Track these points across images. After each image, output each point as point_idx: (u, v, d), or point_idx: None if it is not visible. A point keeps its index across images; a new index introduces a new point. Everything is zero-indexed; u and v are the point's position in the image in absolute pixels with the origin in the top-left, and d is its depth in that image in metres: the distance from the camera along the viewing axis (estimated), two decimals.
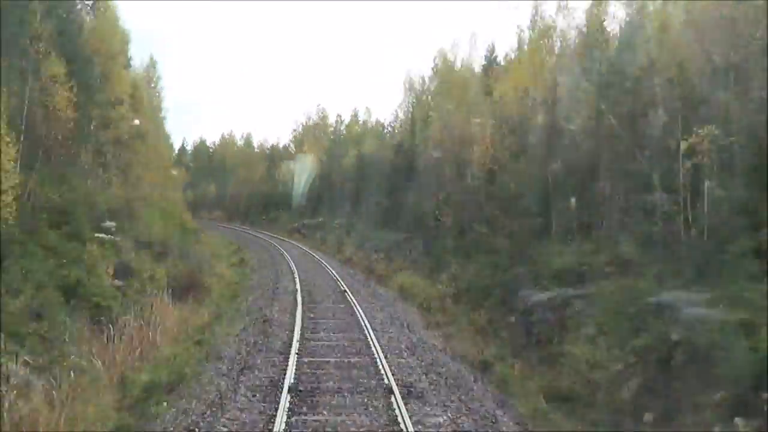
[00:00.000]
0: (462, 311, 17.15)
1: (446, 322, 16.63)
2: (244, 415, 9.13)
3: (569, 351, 10.93)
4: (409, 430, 8.40)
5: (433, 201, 28.95)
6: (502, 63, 39.28)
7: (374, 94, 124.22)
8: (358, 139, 59.15)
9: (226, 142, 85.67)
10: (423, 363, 12.15)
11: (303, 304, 17.94)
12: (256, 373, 11.26)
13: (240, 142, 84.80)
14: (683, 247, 13.54)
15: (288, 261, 29.41)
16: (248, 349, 12.95)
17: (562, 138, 21.12)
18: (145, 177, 24.11)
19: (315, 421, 8.85)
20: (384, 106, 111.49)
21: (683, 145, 14.07)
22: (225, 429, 8.63)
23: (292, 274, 24.77)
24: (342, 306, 18.08)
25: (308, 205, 53.40)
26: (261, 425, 8.74)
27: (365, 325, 14.92)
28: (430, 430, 8.71)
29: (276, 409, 9.10)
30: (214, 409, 9.35)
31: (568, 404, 10.23)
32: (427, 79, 47.13)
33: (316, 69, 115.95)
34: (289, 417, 8.89)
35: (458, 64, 42.06)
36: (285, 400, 9.45)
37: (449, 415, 9.32)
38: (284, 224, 53.10)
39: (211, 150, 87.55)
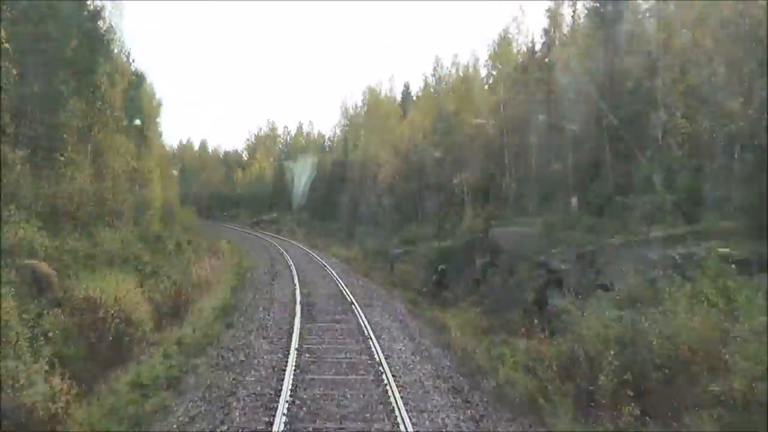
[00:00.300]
0: (366, 263, 31.76)
1: (359, 269, 31.13)
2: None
3: (400, 268, 25.85)
4: (353, 300, 22.94)
5: (355, 202, 43.91)
6: (414, 99, 55.29)
7: (317, 109, 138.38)
8: (303, 150, 73.38)
9: (185, 148, 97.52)
10: (354, 282, 26.33)
11: (286, 252, 32.30)
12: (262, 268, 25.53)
13: (197, 148, 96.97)
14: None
15: (261, 239, 43.49)
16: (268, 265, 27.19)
17: (428, 165, 36.29)
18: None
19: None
20: (324, 120, 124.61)
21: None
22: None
23: (271, 246, 38.91)
24: (304, 257, 32.43)
25: (264, 203, 67.13)
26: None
27: (322, 264, 29.18)
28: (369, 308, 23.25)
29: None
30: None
31: (399, 287, 24.94)
32: (358, 107, 62.53)
33: (269, 82, 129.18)
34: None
35: (383, 94, 57.92)
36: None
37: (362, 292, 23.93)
38: (244, 219, 66.60)
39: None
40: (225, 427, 8.70)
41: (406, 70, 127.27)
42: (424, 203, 36.56)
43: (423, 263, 24.86)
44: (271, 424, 8.73)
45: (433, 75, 54.62)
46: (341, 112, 70.10)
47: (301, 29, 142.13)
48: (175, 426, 8.84)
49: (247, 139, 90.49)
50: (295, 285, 21.91)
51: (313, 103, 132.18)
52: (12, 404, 7.64)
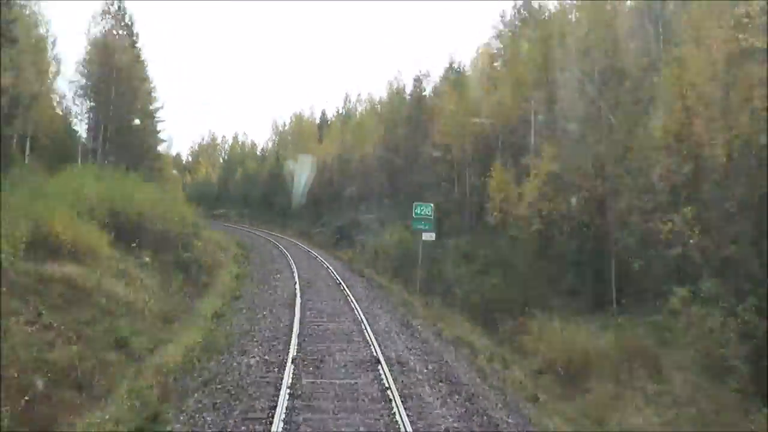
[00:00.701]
0: (297, 238, 51.57)
1: (294, 241, 50.92)
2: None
3: (317, 238, 46.11)
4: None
5: (288, 201, 63.73)
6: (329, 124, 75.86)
7: (250, 121, 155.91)
8: (242, 159, 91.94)
9: None
10: (293, 247, 46.37)
11: (246, 236, 51.60)
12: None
13: None
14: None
15: (222, 225, 62.30)
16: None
17: (334, 179, 56.58)
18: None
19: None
20: (256, 131, 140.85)
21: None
22: None
23: (233, 230, 57.93)
24: (259, 238, 51.85)
25: (211, 201, 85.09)
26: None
27: (269, 239, 48.76)
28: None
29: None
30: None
31: (317, 247, 44.88)
32: (286, 126, 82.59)
33: (210, 94, 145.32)
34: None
35: (305, 118, 78.42)
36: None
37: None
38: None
39: None
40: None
41: (326, 98, 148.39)
42: (333, 204, 56.39)
43: (328, 235, 45.16)
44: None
45: (343, 108, 76.46)
46: (272, 129, 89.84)
47: (242, 49, 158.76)
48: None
49: (191, 147, 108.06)
50: (259, 251, 41.53)
51: (246, 115, 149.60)
52: None
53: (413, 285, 23.26)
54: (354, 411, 10.03)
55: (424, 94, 53.35)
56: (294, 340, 14.34)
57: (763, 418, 11.69)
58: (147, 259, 19.42)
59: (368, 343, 14.51)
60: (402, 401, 10.36)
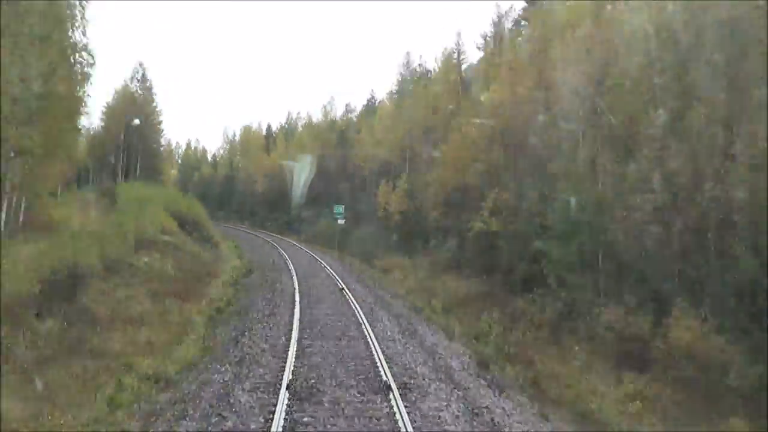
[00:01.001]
0: (253, 229, 68.62)
1: (253, 231, 67.96)
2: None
3: (270, 226, 63.64)
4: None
5: (244, 201, 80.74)
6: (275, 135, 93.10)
7: (201, 127, 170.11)
8: (197, 165, 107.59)
9: None
10: (251, 234, 63.42)
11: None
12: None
13: None
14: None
15: None
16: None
17: (278, 184, 74.13)
18: None
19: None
20: (207, 138, 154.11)
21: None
22: None
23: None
24: (228, 230, 68.70)
25: None
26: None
27: (234, 230, 65.82)
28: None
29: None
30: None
31: (270, 235, 62.30)
32: (236, 136, 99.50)
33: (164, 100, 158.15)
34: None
35: (254, 128, 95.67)
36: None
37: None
38: None
39: None
40: None
41: (272, 112, 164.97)
42: (280, 203, 73.81)
43: (279, 225, 62.91)
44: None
45: (286, 123, 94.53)
46: (224, 138, 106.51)
47: (194, 58, 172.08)
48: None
49: None
50: (234, 236, 58.71)
51: (196, 123, 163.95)
52: None
53: (334, 248, 41.76)
54: (321, 286, 28.26)
55: (350, 116, 72.23)
56: (289, 264, 32.55)
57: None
58: (193, 234, 36.81)
59: (317, 261, 32.95)
60: (342, 280, 28.60)
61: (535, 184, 23.70)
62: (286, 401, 10.89)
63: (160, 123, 51.66)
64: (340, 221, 40.85)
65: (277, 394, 11.29)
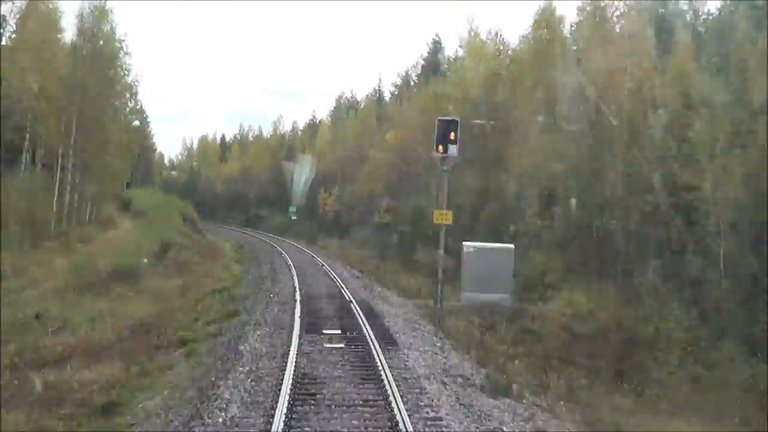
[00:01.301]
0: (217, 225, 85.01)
1: (220, 227, 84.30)
2: None
3: (231, 223, 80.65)
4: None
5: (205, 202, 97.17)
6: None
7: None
8: (160, 169, 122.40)
9: None
10: (221, 229, 79.92)
11: None
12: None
13: None
14: None
15: None
16: None
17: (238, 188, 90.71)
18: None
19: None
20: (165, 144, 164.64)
21: None
22: None
23: None
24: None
25: None
26: None
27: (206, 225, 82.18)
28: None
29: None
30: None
31: (234, 228, 79.04)
32: (195, 144, 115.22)
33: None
34: None
35: (210, 137, 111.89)
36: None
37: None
38: None
39: None
40: None
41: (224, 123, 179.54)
42: (238, 203, 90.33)
43: (239, 222, 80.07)
44: None
45: (239, 134, 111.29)
46: (182, 146, 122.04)
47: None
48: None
49: None
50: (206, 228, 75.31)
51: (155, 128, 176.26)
52: None
53: (288, 237, 59.66)
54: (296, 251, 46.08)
55: (297, 132, 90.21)
56: (267, 245, 50.35)
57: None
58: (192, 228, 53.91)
59: (274, 247, 50.90)
60: (308, 250, 46.61)
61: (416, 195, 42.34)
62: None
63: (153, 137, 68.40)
64: (294, 217, 58.80)
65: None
